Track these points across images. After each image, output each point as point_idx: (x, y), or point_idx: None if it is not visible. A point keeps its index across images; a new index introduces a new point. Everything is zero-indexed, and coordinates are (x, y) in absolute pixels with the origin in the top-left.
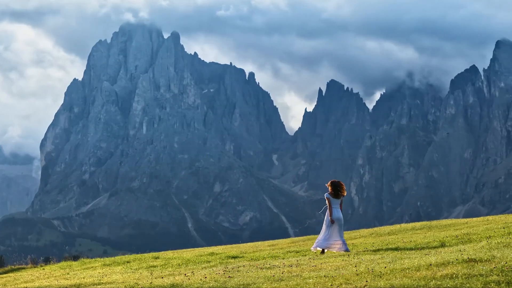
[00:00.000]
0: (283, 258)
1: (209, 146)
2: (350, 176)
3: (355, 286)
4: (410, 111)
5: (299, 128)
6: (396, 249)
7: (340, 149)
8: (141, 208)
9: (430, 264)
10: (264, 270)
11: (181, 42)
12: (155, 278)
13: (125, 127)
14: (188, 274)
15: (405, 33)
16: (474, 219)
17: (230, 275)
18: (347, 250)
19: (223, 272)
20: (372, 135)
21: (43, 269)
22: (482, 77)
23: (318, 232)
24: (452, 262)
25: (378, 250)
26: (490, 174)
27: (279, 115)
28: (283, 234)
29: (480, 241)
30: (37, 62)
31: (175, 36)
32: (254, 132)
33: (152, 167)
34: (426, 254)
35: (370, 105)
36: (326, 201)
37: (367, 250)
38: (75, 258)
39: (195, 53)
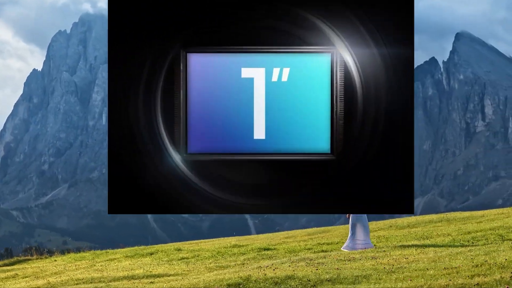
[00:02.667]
0: (324, 251)
1: None
2: None
3: (501, 277)
4: None
5: None
6: (457, 243)
7: None
8: (100, 198)
9: None
10: (349, 262)
11: None
12: (263, 269)
13: (85, 117)
14: (292, 267)
15: None
16: (487, 211)
17: (338, 267)
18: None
19: (309, 263)
20: None
21: (55, 260)
22: (442, 69)
23: (278, 223)
24: None
25: (437, 244)
26: (449, 166)
27: None
28: (243, 225)
29: None
30: None
31: None
32: None
33: None
34: None
35: None
36: None
37: (425, 245)
38: (36, 249)
39: None
